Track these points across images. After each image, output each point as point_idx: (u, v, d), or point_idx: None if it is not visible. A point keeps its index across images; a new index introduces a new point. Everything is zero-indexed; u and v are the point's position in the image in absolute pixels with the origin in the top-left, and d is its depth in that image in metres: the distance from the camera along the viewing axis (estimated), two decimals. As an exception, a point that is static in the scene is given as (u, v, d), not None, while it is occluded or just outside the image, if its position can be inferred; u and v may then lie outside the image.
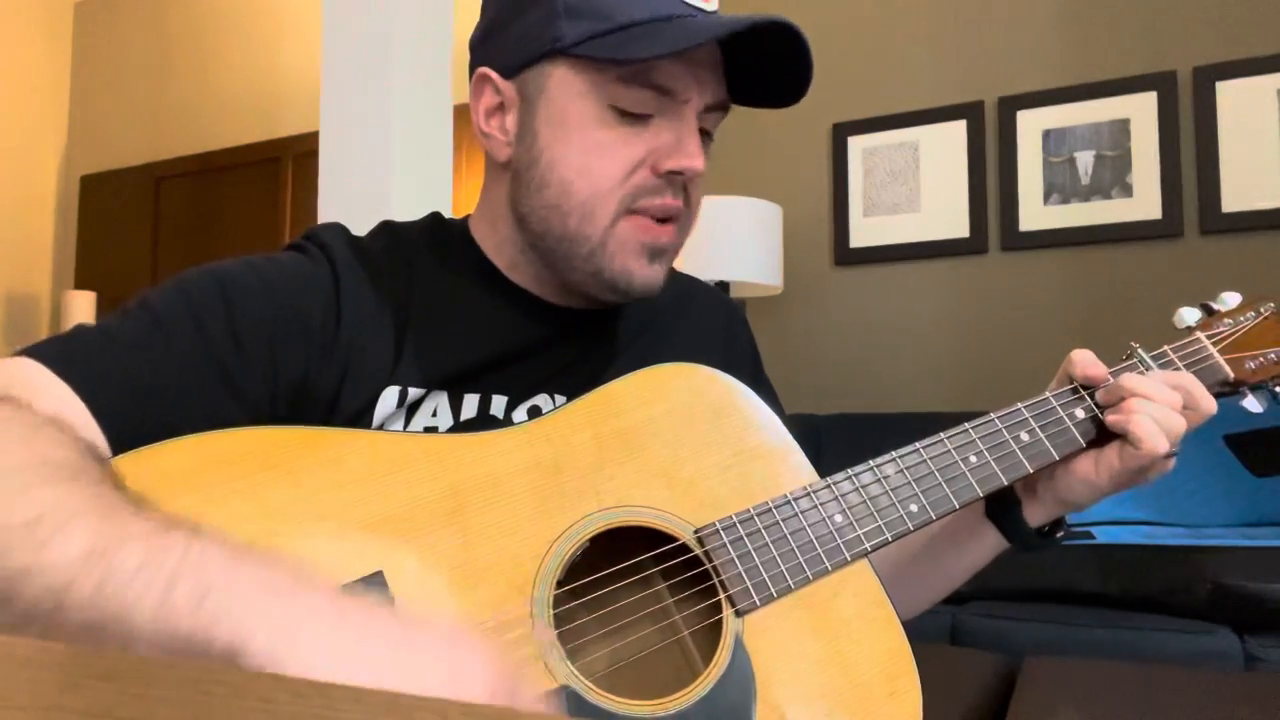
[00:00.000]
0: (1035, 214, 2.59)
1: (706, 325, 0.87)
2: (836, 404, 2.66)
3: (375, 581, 0.56)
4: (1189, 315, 0.82)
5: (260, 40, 3.86)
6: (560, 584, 0.60)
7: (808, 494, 0.68)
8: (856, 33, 2.84)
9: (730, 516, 0.65)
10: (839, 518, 0.67)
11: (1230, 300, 0.83)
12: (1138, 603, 1.86)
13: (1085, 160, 2.55)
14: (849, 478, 0.69)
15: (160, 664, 0.35)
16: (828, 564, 0.66)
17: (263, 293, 0.67)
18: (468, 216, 0.80)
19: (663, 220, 0.71)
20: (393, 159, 1.94)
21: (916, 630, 0.65)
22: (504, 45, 0.72)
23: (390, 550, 0.57)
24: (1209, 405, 0.73)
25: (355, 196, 1.97)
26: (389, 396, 0.68)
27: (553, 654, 0.57)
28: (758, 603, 0.63)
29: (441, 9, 2.11)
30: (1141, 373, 0.75)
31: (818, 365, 2.79)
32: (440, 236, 0.78)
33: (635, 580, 0.64)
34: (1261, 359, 0.79)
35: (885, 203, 2.78)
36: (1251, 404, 0.79)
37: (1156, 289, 2.43)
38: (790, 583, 0.64)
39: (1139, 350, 0.78)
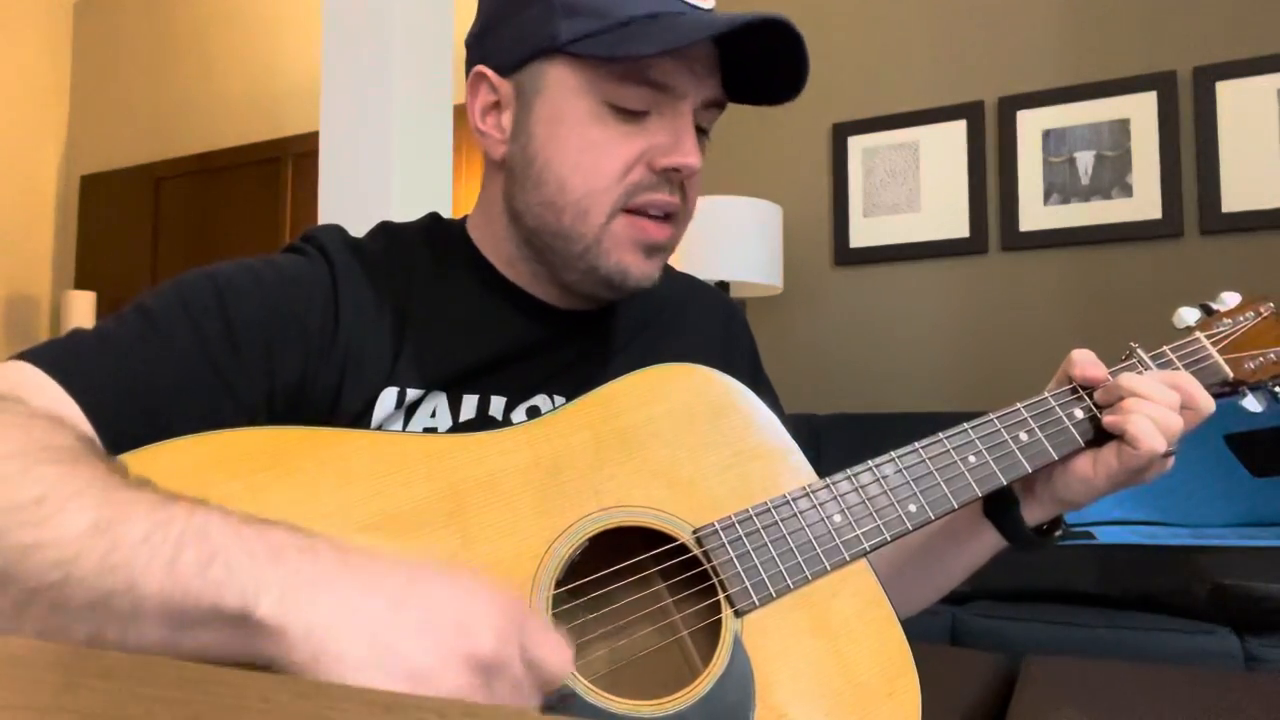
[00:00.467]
0: (1035, 214, 2.59)
1: (706, 325, 0.87)
2: (836, 404, 2.66)
3: None
4: (1188, 315, 0.82)
5: (260, 40, 3.86)
6: (559, 584, 0.60)
7: (806, 494, 0.68)
8: (856, 33, 2.84)
9: (729, 517, 0.65)
10: (838, 518, 0.67)
11: (1230, 300, 0.83)
12: (1138, 603, 1.86)
13: (1085, 160, 2.55)
14: (848, 478, 0.69)
15: (160, 664, 0.35)
16: (826, 564, 0.66)
17: (260, 295, 0.67)
18: (466, 217, 0.80)
19: (659, 218, 0.71)
20: (393, 159, 1.94)
21: (916, 630, 0.65)
22: (500, 43, 0.72)
23: (390, 551, 0.57)
24: (1207, 405, 0.73)
25: (355, 196, 1.97)
26: (387, 398, 0.68)
27: None
28: (756, 603, 0.63)
29: (441, 9, 2.11)
30: (1140, 373, 0.75)
31: (818, 365, 2.79)
32: (438, 237, 0.78)
33: (634, 580, 0.64)
34: (1261, 359, 0.79)
35: (885, 203, 2.78)
36: (1251, 404, 0.79)
37: (1156, 289, 2.43)
38: (789, 583, 0.64)
39: (1138, 350, 0.78)
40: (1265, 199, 2.36)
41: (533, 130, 0.71)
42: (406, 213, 0.82)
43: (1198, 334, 0.80)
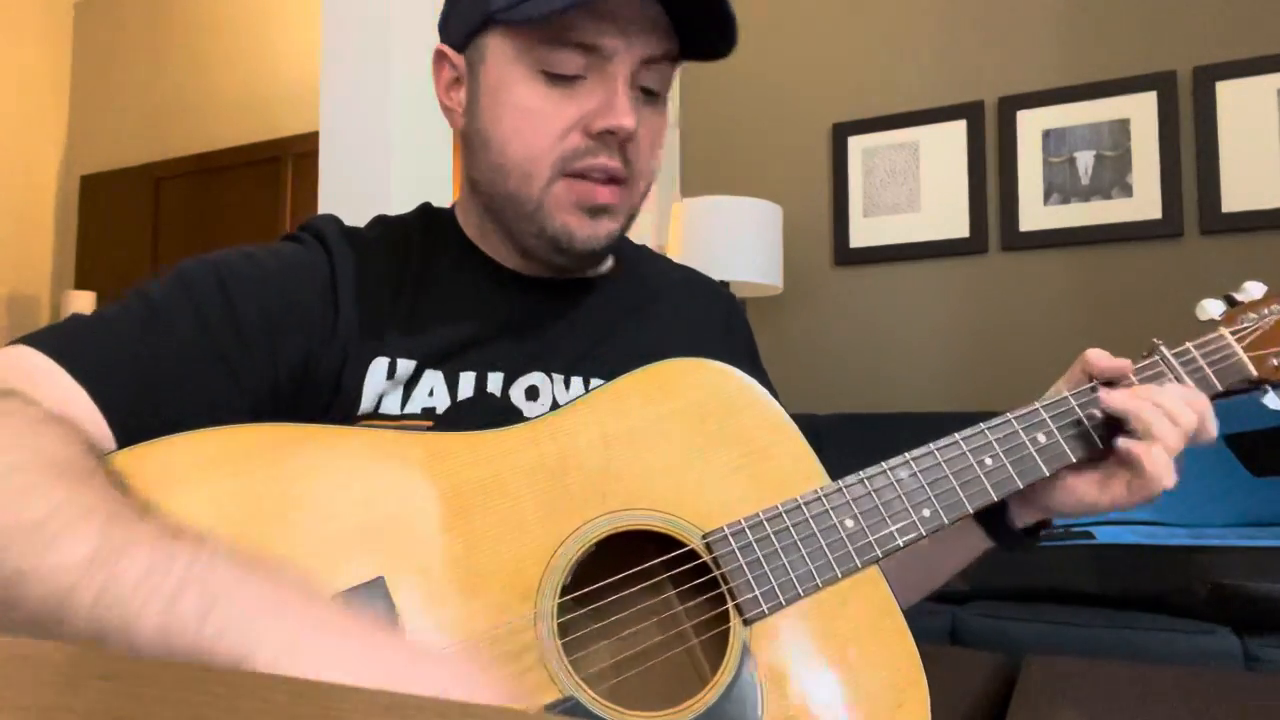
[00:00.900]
0: (1035, 214, 2.59)
1: (706, 313, 0.87)
2: (836, 404, 2.66)
3: (375, 587, 0.55)
4: (1212, 307, 0.80)
5: (260, 40, 3.86)
6: (565, 590, 0.59)
7: (819, 497, 0.66)
8: (856, 33, 2.84)
9: (739, 522, 0.63)
10: (850, 523, 0.65)
11: (1254, 290, 0.80)
12: (1138, 603, 1.85)
13: (1085, 160, 2.54)
14: (860, 481, 0.67)
15: (160, 664, 0.35)
16: (838, 571, 0.64)
17: (261, 280, 0.68)
18: (456, 202, 0.83)
19: (602, 180, 0.71)
20: (392, 159, 1.94)
21: (916, 630, 0.64)
22: (454, 21, 0.75)
23: (391, 554, 0.56)
24: (1211, 435, 0.72)
25: (355, 196, 1.97)
26: (378, 368, 0.69)
27: (556, 663, 0.56)
28: (766, 612, 0.62)
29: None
30: (1161, 384, 0.74)
31: (818, 365, 2.79)
32: (428, 223, 0.80)
33: (642, 586, 0.63)
34: None
35: (885, 203, 2.78)
36: (1273, 402, 0.76)
37: (1156, 289, 2.43)
38: (799, 590, 0.63)
39: (1161, 347, 0.76)
40: (1265, 199, 2.35)
41: (480, 100, 0.73)
42: (406, 213, 0.83)
43: (1222, 330, 0.78)
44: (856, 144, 2.82)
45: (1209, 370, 0.76)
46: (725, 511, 0.64)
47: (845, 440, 2.27)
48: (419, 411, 0.69)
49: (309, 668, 0.42)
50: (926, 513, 0.68)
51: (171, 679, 0.31)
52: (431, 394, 0.70)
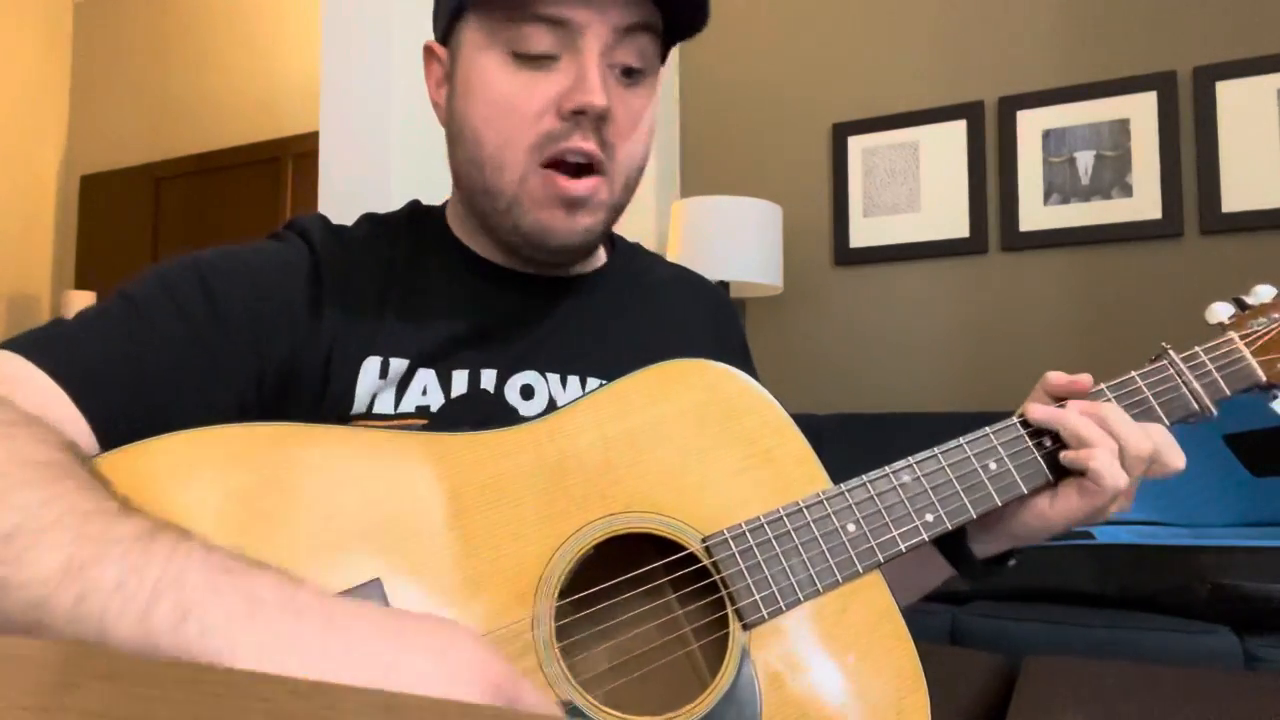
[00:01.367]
0: (1035, 214, 2.59)
1: (698, 309, 0.87)
2: (836, 404, 2.66)
3: (373, 589, 0.55)
4: (1221, 310, 0.78)
5: (260, 40, 3.86)
6: (564, 593, 0.59)
7: (820, 501, 0.65)
8: (856, 33, 2.84)
9: (740, 525, 0.63)
10: (852, 527, 0.65)
11: (1264, 294, 0.79)
12: (1138, 603, 1.85)
13: (1085, 160, 2.54)
14: (863, 485, 0.67)
15: (160, 664, 0.35)
16: (839, 576, 0.63)
17: (243, 278, 0.67)
18: (447, 200, 0.82)
19: (580, 170, 0.69)
20: (392, 159, 1.94)
21: (916, 630, 0.64)
22: (437, 13, 0.75)
23: (389, 556, 0.56)
24: (1175, 466, 0.71)
25: (355, 196, 1.97)
26: (370, 366, 0.68)
27: (554, 667, 0.56)
28: (766, 616, 0.61)
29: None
30: (1111, 402, 0.72)
31: (818, 365, 2.79)
32: (417, 221, 0.79)
33: (641, 590, 0.62)
34: None
35: (885, 203, 2.78)
36: None
37: (1156, 289, 2.43)
38: (800, 595, 0.62)
39: (1169, 352, 0.75)
40: (1265, 199, 2.35)
41: (457, 90, 0.72)
42: (402, 210, 0.83)
43: (1231, 334, 0.76)
44: (856, 144, 2.82)
45: (1218, 375, 0.74)
46: (726, 514, 0.63)
47: (845, 440, 2.27)
48: (413, 410, 0.68)
49: (289, 669, 0.41)
50: (929, 517, 0.67)
51: (171, 679, 0.31)
52: (425, 392, 0.69)
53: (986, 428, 0.71)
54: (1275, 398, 0.76)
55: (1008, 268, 2.62)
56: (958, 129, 2.69)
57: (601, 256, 0.83)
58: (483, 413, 0.68)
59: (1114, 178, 2.51)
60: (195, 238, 3.92)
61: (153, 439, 0.56)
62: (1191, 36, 2.45)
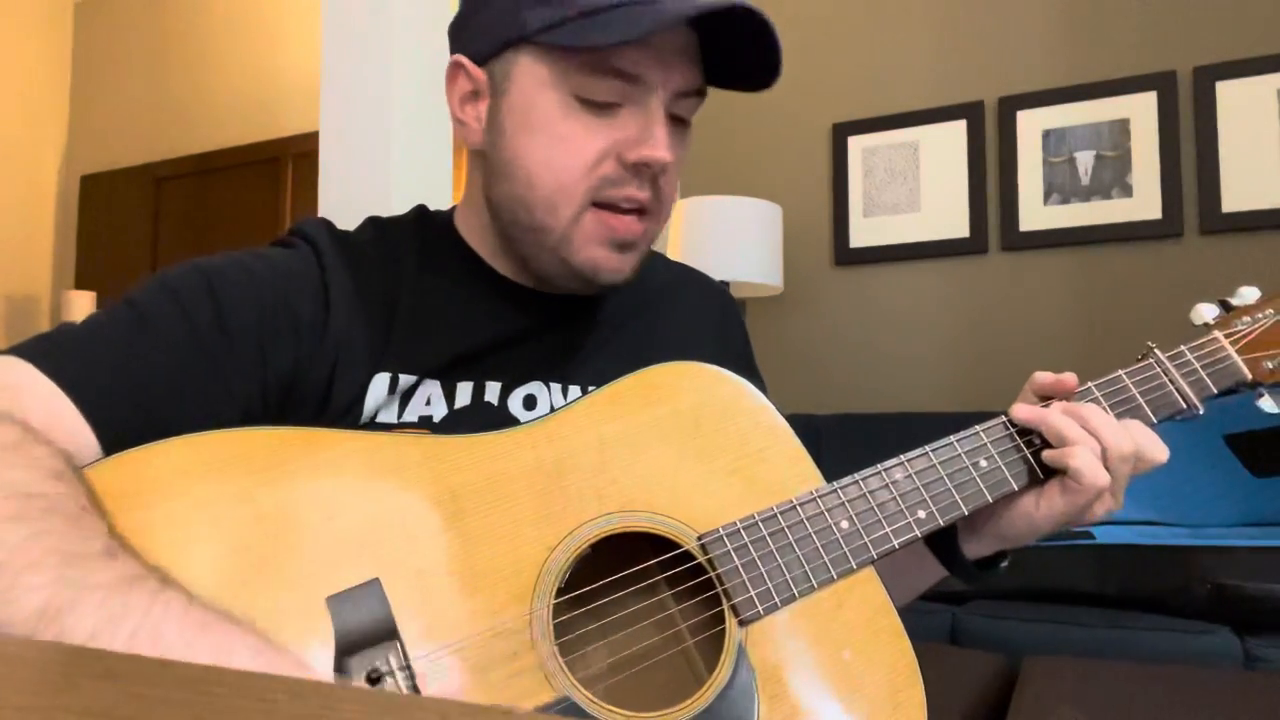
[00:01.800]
0: (1035, 214, 2.59)
1: (700, 314, 0.86)
2: (836, 404, 2.66)
3: (372, 588, 0.55)
4: (1206, 311, 0.80)
5: (260, 40, 3.86)
6: (561, 591, 0.59)
7: (813, 499, 0.66)
8: (856, 33, 2.84)
9: (734, 523, 0.64)
10: (845, 524, 0.66)
11: (1248, 295, 0.81)
12: (1137, 603, 1.85)
13: (1085, 160, 2.54)
14: (855, 482, 0.68)
15: (160, 664, 0.35)
16: (833, 571, 0.64)
17: (249, 285, 0.67)
18: (453, 208, 0.81)
19: (630, 211, 0.70)
20: (392, 159, 1.94)
21: (916, 630, 0.65)
22: (475, 32, 0.72)
23: (387, 555, 0.56)
24: (1157, 460, 0.71)
25: (355, 196, 1.97)
26: (379, 383, 0.68)
27: (552, 664, 0.57)
28: (761, 613, 0.62)
29: (441, 9, 2.11)
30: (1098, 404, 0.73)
31: (818, 365, 2.79)
32: (426, 228, 0.78)
33: (638, 587, 0.63)
34: None
35: (885, 203, 2.78)
36: (1268, 405, 0.77)
37: (1156, 289, 2.43)
38: (795, 592, 0.63)
39: (1155, 351, 0.76)
40: (1265, 199, 2.35)
41: (504, 122, 0.70)
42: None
43: (1216, 333, 0.78)
44: (856, 144, 2.82)
45: (1204, 373, 0.76)
46: (721, 513, 0.64)
47: (844, 440, 2.27)
48: (415, 420, 0.69)
49: None
50: (922, 514, 0.68)
51: (171, 679, 0.31)
52: (429, 403, 0.69)
53: (977, 426, 0.72)
54: (1262, 395, 0.78)
55: (1008, 268, 2.62)
56: (958, 129, 2.69)
57: None
58: (485, 424, 0.69)
59: (1114, 178, 2.51)
60: (195, 238, 3.92)
61: (155, 443, 0.56)
62: (1191, 36, 2.45)
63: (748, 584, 0.62)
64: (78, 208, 4.23)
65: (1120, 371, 0.76)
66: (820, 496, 0.66)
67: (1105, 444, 0.69)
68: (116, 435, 0.58)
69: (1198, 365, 0.76)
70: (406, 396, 0.69)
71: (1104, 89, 2.53)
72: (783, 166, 2.90)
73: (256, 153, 3.79)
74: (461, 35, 0.74)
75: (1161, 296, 2.41)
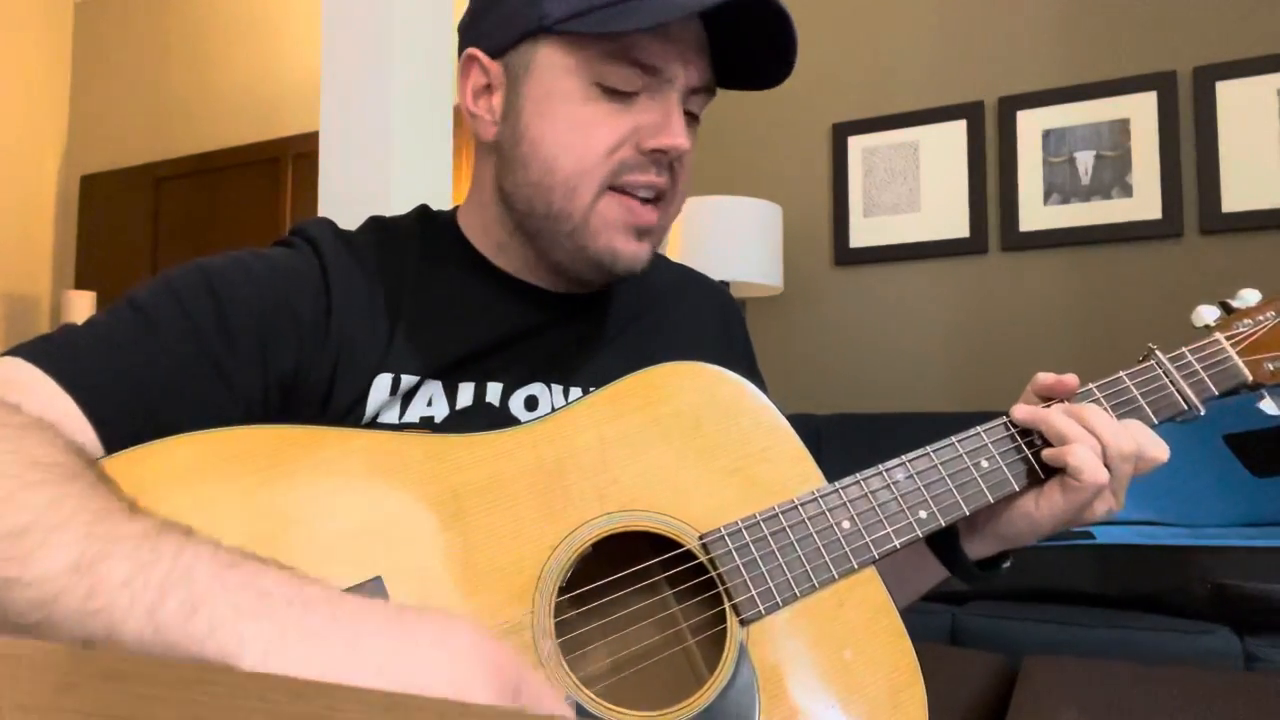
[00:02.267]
0: (1035, 214, 2.59)
1: (703, 315, 0.87)
2: (836, 404, 2.66)
3: (374, 587, 0.55)
4: (1207, 314, 0.81)
5: (260, 40, 3.86)
6: (563, 590, 0.59)
7: (815, 499, 0.66)
8: (856, 33, 2.84)
9: (736, 522, 0.64)
10: (846, 524, 0.66)
11: (1249, 297, 0.81)
12: (1138, 603, 1.85)
13: (1085, 160, 2.55)
14: (857, 482, 0.68)
15: (160, 664, 0.35)
16: (834, 571, 0.64)
17: (251, 285, 0.67)
18: (456, 207, 0.81)
19: (647, 200, 0.71)
20: (393, 159, 1.94)
21: (916, 630, 0.65)
22: (491, 26, 0.73)
23: (389, 554, 0.56)
24: (1158, 459, 0.72)
25: (355, 196, 1.97)
26: (381, 384, 0.68)
27: (553, 663, 0.57)
28: (763, 612, 0.62)
29: (441, 8, 2.11)
30: (1100, 405, 0.74)
31: (818, 365, 2.79)
32: (428, 227, 0.78)
33: (639, 587, 0.63)
34: None
35: (885, 203, 2.78)
36: (1269, 406, 0.77)
37: (1156, 289, 2.43)
38: (796, 591, 0.63)
39: (1156, 353, 0.77)
40: (1265, 199, 2.35)
41: (522, 110, 0.71)
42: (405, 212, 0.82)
43: (1217, 335, 0.78)
44: (856, 144, 2.82)
45: (1205, 374, 0.76)
46: (722, 513, 0.64)
47: (845, 440, 2.27)
48: (417, 421, 0.69)
49: (296, 664, 0.41)
50: (923, 514, 0.68)
51: (171, 679, 0.31)
52: (430, 403, 0.70)
53: (978, 426, 0.72)
54: (1263, 397, 0.78)
55: (1008, 268, 2.62)
56: (958, 129, 2.69)
57: None
58: (486, 425, 0.69)
59: (1114, 178, 2.51)
60: (195, 238, 3.92)
61: (156, 441, 0.56)
62: (1191, 36, 2.45)
63: (749, 583, 0.62)
64: (78, 208, 4.23)
65: (1121, 373, 0.76)
66: (822, 496, 0.66)
67: (1105, 442, 0.69)
68: (118, 434, 0.58)
69: (1199, 367, 0.76)
70: (408, 397, 0.69)
71: (1104, 89, 2.53)
72: (783, 166, 2.90)
73: (256, 153, 3.79)
74: (474, 30, 0.75)
75: (1161, 296, 2.41)
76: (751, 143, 2.94)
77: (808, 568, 0.64)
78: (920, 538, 0.68)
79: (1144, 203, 2.47)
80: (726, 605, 0.62)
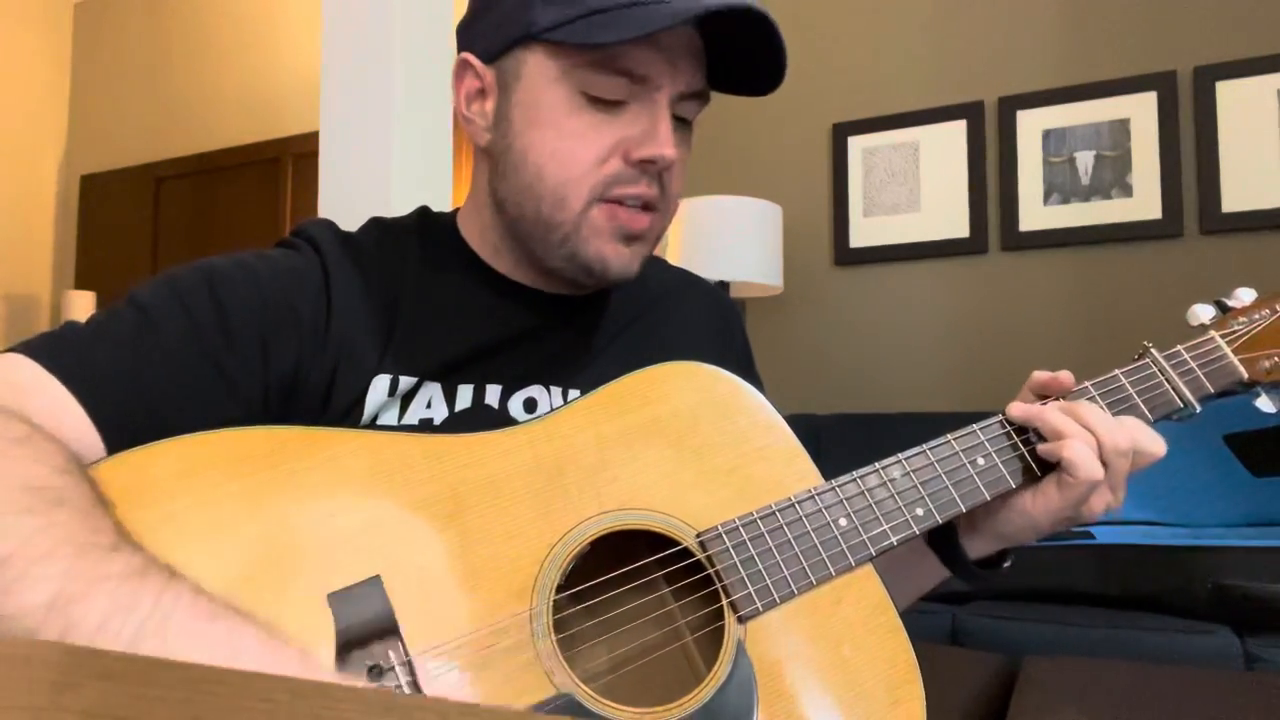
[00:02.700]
0: (1035, 214, 2.59)
1: (701, 318, 0.87)
2: (836, 404, 2.66)
3: (373, 585, 0.55)
4: (1203, 312, 0.81)
5: (260, 40, 3.86)
6: (561, 588, 0.60)
7: (812, 497, 0.67)
8: (856, 33, 2.84)
9: (733, 520, 0.64)
10: (843, 522, 0.66)
11: (1245, 296, 0.81)
12: (1138, 603, 1.86)
13: (1085, 160, 2.54)
14: (853, 480, 0.68)
15: (160, 664, 0.35)
16: (831, 569, 0.65)
17: (252, 286, 0.67)
18: (457, 209, 0.81)
19: (637, 207, 0.71)
20: (393, 159, 1.94)
21: (916, 630, 0.65)
22: (484, 31, 0.73)
23: (388, 553, 0.57)
24: (1156, 454, 0.72)
25: (355, 196, 1.97)
26: (380, 385, 0.68)
27: (552, 660, 0.57)
28: (760, 609, 0.62)
29: (441, 9, 2.11)
30: (1093, 402, 0.74)
31: (818, 365, 2.79)
32: (427, 229, 0.78)
33: (637, 585, 0.63)
34: (1277, 358, 0.77)
35: (885, 203, 2.78)
36: (1265, 404, 0.77)
37: (1156, 289, 2.43)
38: (794, 588, 0.63)
39: (1152, 350, 0.77)
40: (1265, 199, 2.35)
41: (511, 117, 0.71)
42: (406, 213, 0.82)
43: (1212, 333, 0.79)
44: (856, 144, 2.82)
45: (1200, 373, 0.76)
46: (719, 511, 0.65)
47: (845, 440, 2.27)
48: (416, 423, 0.69)
49: None
50: (920, 511, 0.68)
51: (171, 679, 0.31)
52: (429, 405, 0.70)
53: (974, 424, 0.73)
54: (1258, 395, 0.78)
55: (1008, 268, 2.62)
56: (958, 129, 2.69)
57: None
58: (485, 427, 0.69)
59: (1114, 178, 2.51)
60: (195, 238, 3.92)
61: (157, 442, 0.56)
62: (1191, 36, 2.45)
63: (746, 581, 0.63)
64: (78, 208, 4.23)
65: (1117, 371, 0.76)
66: (819, 495, 0.67)
67: (1100, 437, 0.70)
68: (120, 434, 0.58)
69: (1194, 365, 0.77)
70: (407, 399, 0.69)
71: (1104, 89, 2.53)
72: (783, 166, 2.90)
73: (256, 153, 3.79)
74: (469, 34, 0.75)
75: (1161, 296, 2.41)
76: (751, 143, 2.94)
77: (805, 565, 0.64)
78: (917, 535, 0.68)
79: (1144, 203, 2.47)
80: (724, 603, 0.62)
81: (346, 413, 0.67)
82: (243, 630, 0.44)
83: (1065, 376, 0.74)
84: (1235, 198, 2.38)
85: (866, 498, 0.68)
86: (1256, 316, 0.79)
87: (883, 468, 0.69)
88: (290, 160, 3.69)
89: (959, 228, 2.67)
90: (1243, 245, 2.38)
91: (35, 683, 0.30)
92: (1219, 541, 1.90)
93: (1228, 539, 1.92)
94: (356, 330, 0.69)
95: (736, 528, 0.64)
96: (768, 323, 2.84)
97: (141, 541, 0.51)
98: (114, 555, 0.45)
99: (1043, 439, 0.72)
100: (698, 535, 0.64)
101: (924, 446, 0.71)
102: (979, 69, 2.68)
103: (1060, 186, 2.57)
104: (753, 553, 0.64)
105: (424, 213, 0.81)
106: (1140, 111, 2.49)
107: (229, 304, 0.65)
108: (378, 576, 0.56)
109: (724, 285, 2.50)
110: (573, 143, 0.68)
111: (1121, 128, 2.51)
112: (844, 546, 0.65)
